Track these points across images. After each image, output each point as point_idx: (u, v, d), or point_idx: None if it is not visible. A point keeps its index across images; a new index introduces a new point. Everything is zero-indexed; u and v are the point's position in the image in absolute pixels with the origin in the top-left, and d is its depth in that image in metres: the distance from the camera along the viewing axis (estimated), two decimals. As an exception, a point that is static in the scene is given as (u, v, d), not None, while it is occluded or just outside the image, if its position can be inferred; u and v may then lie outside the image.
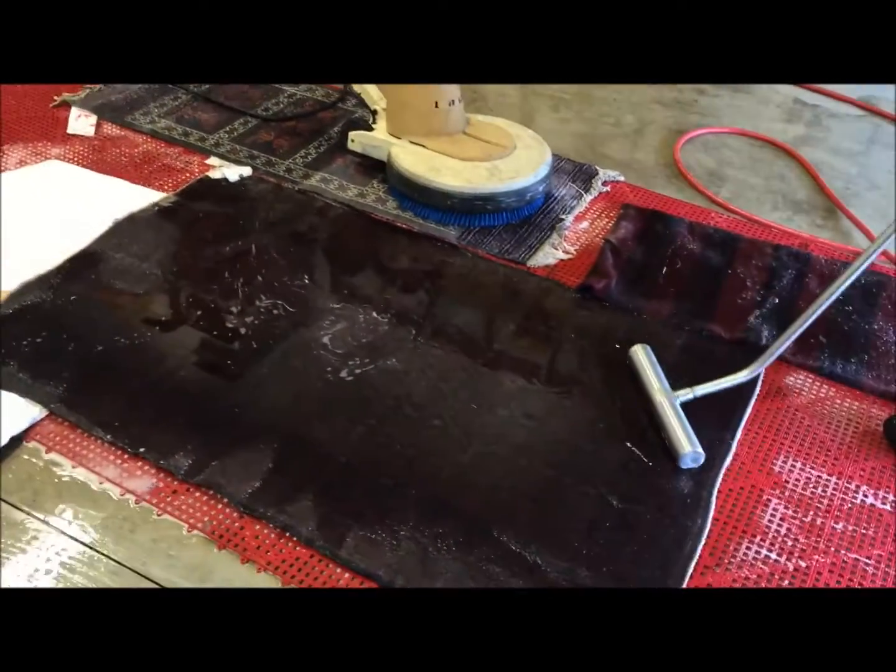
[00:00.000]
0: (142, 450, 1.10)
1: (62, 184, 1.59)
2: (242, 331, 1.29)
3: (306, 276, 1.41)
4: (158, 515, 1.03)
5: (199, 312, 1.32)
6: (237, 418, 1.15)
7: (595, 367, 1.28)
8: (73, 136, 1.75)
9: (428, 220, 1.57)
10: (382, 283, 1.42)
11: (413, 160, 1.57)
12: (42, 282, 1.35)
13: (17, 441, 1.11)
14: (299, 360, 1.25)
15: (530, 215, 1.61)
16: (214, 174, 1.65)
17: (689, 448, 1.11)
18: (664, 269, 1.48)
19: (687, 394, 1.19)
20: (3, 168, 1.62)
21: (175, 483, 1.07)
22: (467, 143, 1.60)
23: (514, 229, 1.58)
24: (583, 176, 1.75)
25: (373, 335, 1.31)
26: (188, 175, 1.66)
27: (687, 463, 1.12)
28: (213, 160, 1.70)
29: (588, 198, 1.68)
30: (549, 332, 1.34)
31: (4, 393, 1.15)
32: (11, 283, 1.34)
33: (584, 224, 1.61)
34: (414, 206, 1.59)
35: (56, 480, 1.07)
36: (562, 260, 1.51)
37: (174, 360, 1.23)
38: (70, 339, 1.25)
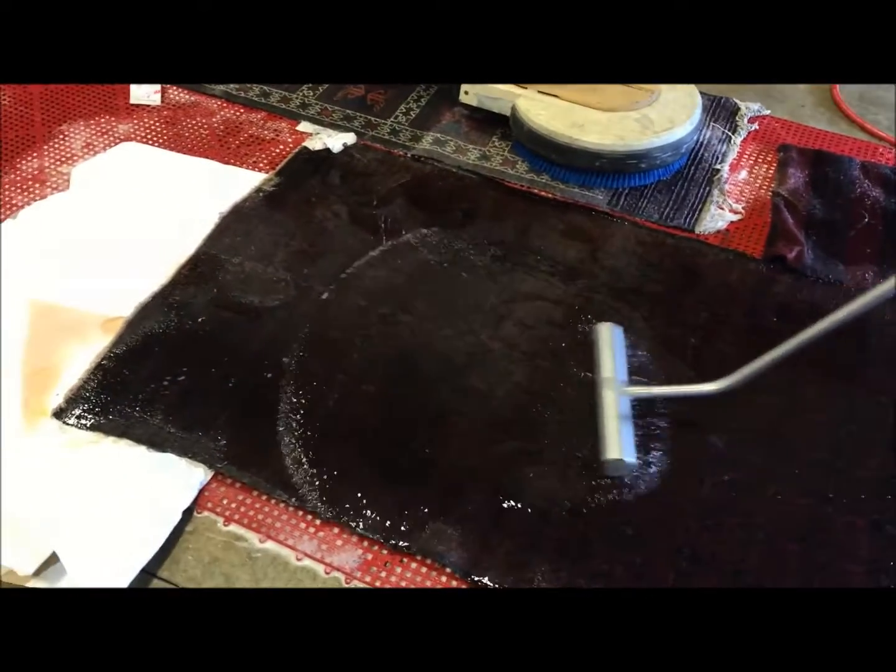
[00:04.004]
0: (332, 513, 0.94)
1: (145, 172, 1.37)
2: (410, 336, 1.13)
3: (463, 272, 1.22)
4: (377, 596, 0.89)
5: (353, 326, 1.14)
6: (432, 461, 1.00)
7: (817, 358, 1.12)
8: (138, 106, 1.52)
9: (569, 183, 1.38)
10: (542, 271, 1.23)
11: (548, 114, 1.36)
12: (160, 301, 1.16)
13: (188, 514, 0.95)
14: (478, 375, 1.09)
15: (680, 168, 1.42)
16: (314, 144, 1.44)
17: (616, 455, 0.96)
18: (852, 225, 1.30)
19: (641, 391, 1.03)
20: (69, 154, 1.40)
21: (385, 553, 0.92)
22: (607, 90, 1.39)
23: (667, 187, 1.38)
24: (724, 112, 1.54)
25: (547, 333, 1.14)
26: (282, 147, 1.44)
27: (610, 471, 0.98)
28: (305, 125, 1.48)
29: (737, 140, 1.48)
30: (745, 317, 1.17)
31: (162, 455, 0.98)
32: (123, 305, 1.15)
33: (743, 174, 1.41)
34: (550, 168, 1.39)
35: (246, 559, 0.92)
36: (732, 222, 1.32)
37: (343, 388, 1.06)
38: (218, 374, 1.07)
